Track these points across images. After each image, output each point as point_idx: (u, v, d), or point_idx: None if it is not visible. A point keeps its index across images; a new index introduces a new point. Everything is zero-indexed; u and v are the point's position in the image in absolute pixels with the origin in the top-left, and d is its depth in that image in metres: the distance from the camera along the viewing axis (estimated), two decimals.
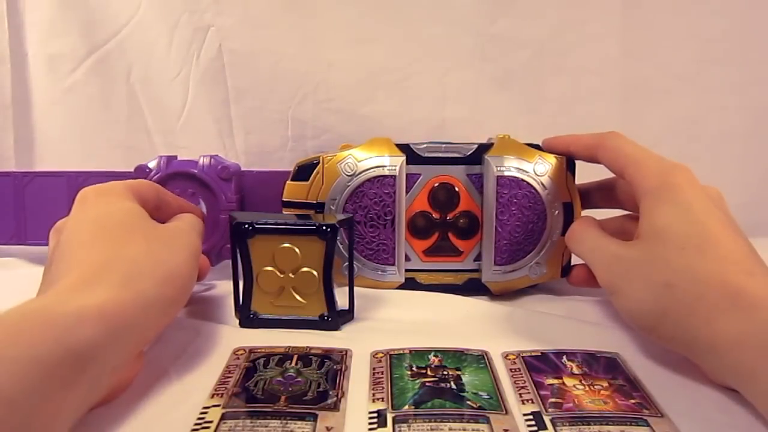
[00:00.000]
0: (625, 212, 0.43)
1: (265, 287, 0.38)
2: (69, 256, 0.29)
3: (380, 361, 0.33)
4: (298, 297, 0.38)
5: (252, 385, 0.31)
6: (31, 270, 0.50)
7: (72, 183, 0.49)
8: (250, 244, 0.38)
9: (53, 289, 0.27)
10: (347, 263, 0.40)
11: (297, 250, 0.38)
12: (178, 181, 0.46)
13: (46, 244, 0.34)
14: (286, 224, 0.38)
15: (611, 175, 0.40)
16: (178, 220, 0.38)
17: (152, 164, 0.46)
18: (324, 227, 0.37)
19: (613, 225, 0.42)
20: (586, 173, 0.45)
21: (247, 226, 0.37)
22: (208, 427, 0.27)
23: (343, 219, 0.39)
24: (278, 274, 0.38)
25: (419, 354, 0.34)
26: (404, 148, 0.44)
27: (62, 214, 0.34)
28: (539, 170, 0.43)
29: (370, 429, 0.27)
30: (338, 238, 0.40)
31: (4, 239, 0.51)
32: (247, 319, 0.38)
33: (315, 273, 0.38)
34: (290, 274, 0.38)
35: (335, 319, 0.38)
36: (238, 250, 0.38)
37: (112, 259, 0.29)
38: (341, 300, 0.39)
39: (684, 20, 0.59)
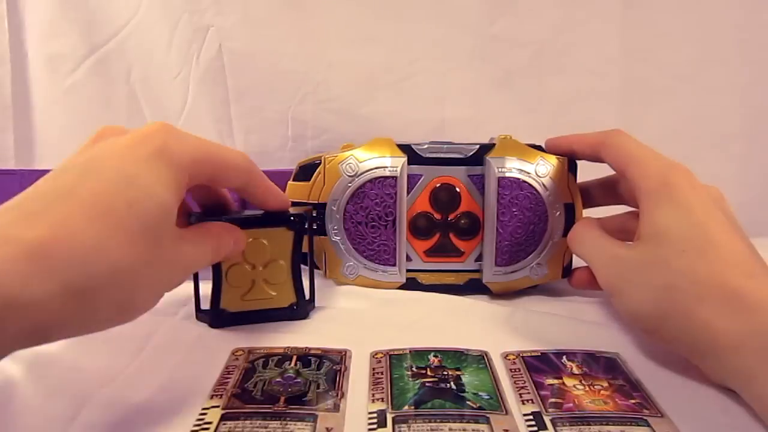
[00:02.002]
0: (627, 210, 0.43)
1: (234, 283, 0.38)
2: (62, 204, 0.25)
3: (380, 361, 0.33)
4: (268, 289, 0.38)
5: (251, 385, 0.30)
6: None
7: None
8: None
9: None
10: (349, 263, 0.40)
11: (266, 242, 0.37)
12: None
13: None
14: (255, 217, 0.37)
15: (612, 173, 0.40)
16: (198, 244, 0.32)
17: None
18: (292, 217, 0.38)
19: (615, 223, 0.42)
20: (588, 174, 0.45)
21: None
22: (207, 428, 0.27)
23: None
24: (248, 268, 0.38)
25: (419, 354, 0.34)
26: (406, 148, 0.44)
27: None
28: (541, 171, 0.43)
29: (369, 429, 0.27)
30: (339, 238, 0.40)
31: None
32: (218, 318, 0.38)
33: (283, 262, 0.38)
34: (261, 268, 0.38)
35: (304, 307, 0.39)
36: None
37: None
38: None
39: (684, 20, 0.59)
